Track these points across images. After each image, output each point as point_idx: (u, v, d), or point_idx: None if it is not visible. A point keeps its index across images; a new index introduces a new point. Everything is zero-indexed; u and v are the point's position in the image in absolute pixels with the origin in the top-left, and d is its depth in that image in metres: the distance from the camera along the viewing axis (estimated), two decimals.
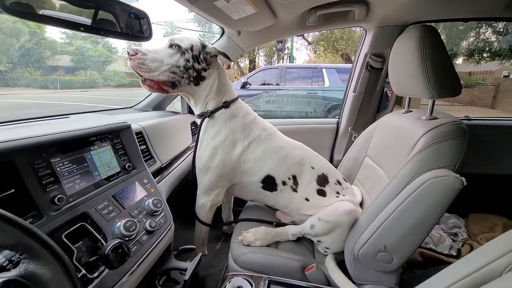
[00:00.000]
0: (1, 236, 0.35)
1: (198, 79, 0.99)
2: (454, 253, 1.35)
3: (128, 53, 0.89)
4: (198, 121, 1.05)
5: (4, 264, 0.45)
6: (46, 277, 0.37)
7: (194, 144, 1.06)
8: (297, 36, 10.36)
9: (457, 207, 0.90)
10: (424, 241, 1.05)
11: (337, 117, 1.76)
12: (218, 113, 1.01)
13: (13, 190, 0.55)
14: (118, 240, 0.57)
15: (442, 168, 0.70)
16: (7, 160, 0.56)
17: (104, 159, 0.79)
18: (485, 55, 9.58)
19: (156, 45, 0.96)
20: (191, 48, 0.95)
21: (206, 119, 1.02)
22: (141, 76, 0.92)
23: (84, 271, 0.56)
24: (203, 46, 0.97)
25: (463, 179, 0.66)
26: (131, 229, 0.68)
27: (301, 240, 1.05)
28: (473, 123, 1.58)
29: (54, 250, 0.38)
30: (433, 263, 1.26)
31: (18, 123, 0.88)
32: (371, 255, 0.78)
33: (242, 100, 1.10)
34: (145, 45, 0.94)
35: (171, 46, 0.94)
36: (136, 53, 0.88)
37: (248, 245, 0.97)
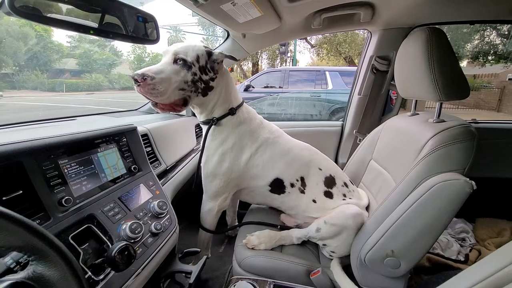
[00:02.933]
0: (10, 237, 0.35)
1: (206, 90, 0.94)
2: (462, 259, 1.32)
3: (136, 80, 0.81)
4: (204, 127, 1.03)
5: (12, 266, 0.45)
6: (54, 279, 0.37)
7: (198, 146, 1.06)
8: (301, 39, 10.38)
9: (464, 211, 0.88)
10: (432, 246, 1.03)
11: (342, 119, 1.76)
12: (225, 120, 0.99)
13: (21, 192, 0.56)
14: (124, 242, 0.57)
15: (451, 172, 0.69)
16: (15, 161, 0.56)
17: (110, 161, 0.79)
18: (490, 57, 9.50)
19: (160, 61, 0.89)
20: (197, 60, 0.89)
21: (213, 126, 0.99)
22: (151, 100, 0.87)
23: (90, 273, 0.56)
24: (209, 54, 0.91)
25: (473, 183, 0.65)
26: (136, 231, 0.68)
27: (306, 244, 1.04)
28: (480, 126, 1.56)
29: (63, 252, 0.38)
30: (440, 268, 1.23)
31: (26, 125, 0.90)
32: (378, 260, 0.77)
33: (246, 103, 1.09)
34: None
35: (175, 61, 0.87)
36: (145, 79, 0.80)
37: (252, 248, 0.97)
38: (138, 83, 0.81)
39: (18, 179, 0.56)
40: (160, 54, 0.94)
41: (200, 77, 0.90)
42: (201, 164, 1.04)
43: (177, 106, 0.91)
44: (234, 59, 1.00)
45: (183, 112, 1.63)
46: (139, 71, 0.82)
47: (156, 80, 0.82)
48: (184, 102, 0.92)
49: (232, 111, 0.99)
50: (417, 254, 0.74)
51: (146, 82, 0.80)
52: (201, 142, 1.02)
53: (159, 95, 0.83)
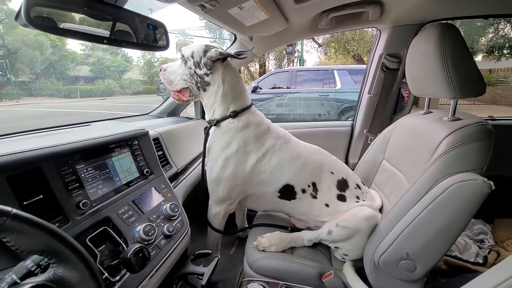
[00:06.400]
0: (31, 241, 0.36)
1: (204, 85, 1.00)
2: (481, 261, 1.28)
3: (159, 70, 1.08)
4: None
5: (33, 269, 0.47)
6: (74, 281, 0.38)
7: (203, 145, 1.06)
8: (308, 39, 10.31)
9: (482, 212, 0.85)
10: (449, 249, 1.00)
11: (351, 119, 1.73)
12: (226, 123, 0.98)
13: (41, 196, 0.58)
14: (139, 245, 0.59)
15: (467, 172, 0.67)
16: (35, 167, 0.59)
17: (124, 165, 0.81)
18: (505, 51, 9.14)
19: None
20: (192, 55, 0.98)
21: (213, 127, 1.01)
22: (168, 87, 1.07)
23: (106, 275, 0.58)
24: (205, 51, 0.95)
25: (491, 183, 0.63)
26: (150, 234, 0.70)
27: (317, 246, 1.02)
28: (498, 123, 1.50)
29: (82, 254, 0.39)
30: (458, 271, 1.19)
31: (45, 131, 0.93)
32: (392, 263, 0.75)
33: (254, 104, 1.07)
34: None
35: (182, 57, 1.01)
36: (161, 70, 1.06)
37: (263, 250, 0.96)
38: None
39: (38, 184, 0.58)
40: (169, 59, 1.04)
41: (195, 71, 0.98)
42: (206, 168, 1.04)
43: (182, 95, 1.05)
44: (234, 56, 0.95)
45: (193, 115, 1.65)
46: (162, 65, 1.09)
47: (166, 72, 1.05)
48: (190, 92, 1.04)
49: (233, 114, 0.98)
50: (434, 257, 0.72)
51: (161, 72, 1.06)
52: (203, 144, 1.04)
53: (169, 84, 1.05)
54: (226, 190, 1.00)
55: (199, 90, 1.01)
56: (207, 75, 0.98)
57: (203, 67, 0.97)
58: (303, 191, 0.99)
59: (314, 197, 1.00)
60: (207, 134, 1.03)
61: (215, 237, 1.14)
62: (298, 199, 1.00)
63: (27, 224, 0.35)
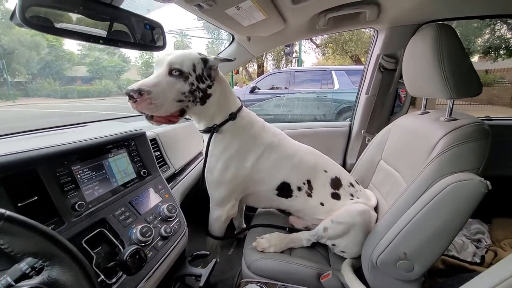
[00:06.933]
0: (25, 243, 0.36)
1: (204, 98, 0.90)
2: (478, 260, 1.28)
3: (132, 96, 0.75)
4: (204, 136, 1.00)
5: (27, 272, 0.46)
6: (68, 283, 0.38)
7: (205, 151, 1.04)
8: (306, 39, 10.34)
9: (479, 211, 0.85)
10: (447, 249, 1.01)
11: (349, 119, 1.74)
12: (226, 126, 0.96)
13: (36, 198, 0.57)
14: (136, 246, 0.58)
15: (464, 172, 0.67)
16: (30, 168, 0.58)
17: (120, 166, 0.81)
18: (501, 52, 9.22)
19: (155, 73, 0.83)
20: (194, 69, 0.85)
21: (214, 134, 0.96)
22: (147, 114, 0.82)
23: (103, 277, 0.57)
24: (205, 61, 0.87)
25: (488, 182, 0.63)
26: (147, 235, 0.69)
27: (315, 246, 1.03)
28: (494, 123, 1.51)
29: (77, 256, 0.39)
30: (456, 271, 1.19)
31: (41, 132, 0.93)
32: (390, 263, 0.75)
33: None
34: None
35: (170, 72, 0.82)
36: (142, 94, 0.75)
37: (262, 251, 0.96)
38: (134, 99, 0.75)
39: (33, 186, 0.58)
40: None
41: (198, 86, 0.87)
42: (205, 172, 1.01)
43: (173, 117, 0.87)
44: (230, 60, 0.94)
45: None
46: (134, 86, 0.75)
47: (153, 94, 0.77)
48: (181, 113, 0.88)
49: (232, 116, 0.97)
50: (431, 257, 0.72)
51: (143, 98, 0.75)
52: (204, 152, 0.99)
53: (156, 110, 0.79)
54: (227, 191, 0.99)
55: (196, 105, 0.90)
56: (209, 87, 0.90)
57: (206, 80, 0.88)
58: (299, 189, 1.00)
59: (310, 195, 1.01)
60: (208, 141, 0.97)
61: (214, 241, 1.14)
62: (294, 197, 1.01)
63: (20, 226, 0.35)
